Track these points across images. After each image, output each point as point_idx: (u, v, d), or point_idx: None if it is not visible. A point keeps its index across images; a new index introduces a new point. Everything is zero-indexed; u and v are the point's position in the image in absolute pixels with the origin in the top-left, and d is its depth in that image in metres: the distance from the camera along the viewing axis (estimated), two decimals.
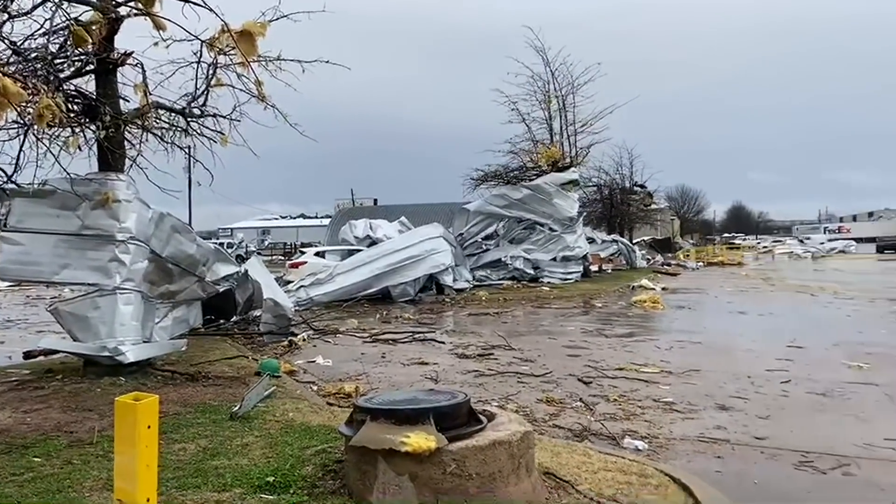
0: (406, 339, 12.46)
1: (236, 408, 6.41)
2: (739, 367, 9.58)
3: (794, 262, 51.52)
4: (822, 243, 75.76)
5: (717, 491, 4.67)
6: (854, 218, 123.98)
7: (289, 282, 21.06)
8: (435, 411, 4.12)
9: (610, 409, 7.21)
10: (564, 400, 7.63)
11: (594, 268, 32.32)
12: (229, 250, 37.72)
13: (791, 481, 5.14)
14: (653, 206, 54.21)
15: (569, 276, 27.35)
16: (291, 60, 9.51)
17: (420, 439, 3.90)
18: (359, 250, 23.66)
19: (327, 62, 9.69)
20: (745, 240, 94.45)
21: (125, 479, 3.00)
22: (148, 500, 2.98)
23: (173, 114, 9.76)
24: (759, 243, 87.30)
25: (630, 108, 61.69)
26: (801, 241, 78.29)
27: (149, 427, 2.97)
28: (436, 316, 17.14)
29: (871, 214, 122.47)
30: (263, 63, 9.39)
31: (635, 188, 48.37)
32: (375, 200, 67.62)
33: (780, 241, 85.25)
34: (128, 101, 9.27)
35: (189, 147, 9.98)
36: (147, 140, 9.45)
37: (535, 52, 31.08)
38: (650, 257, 47.18)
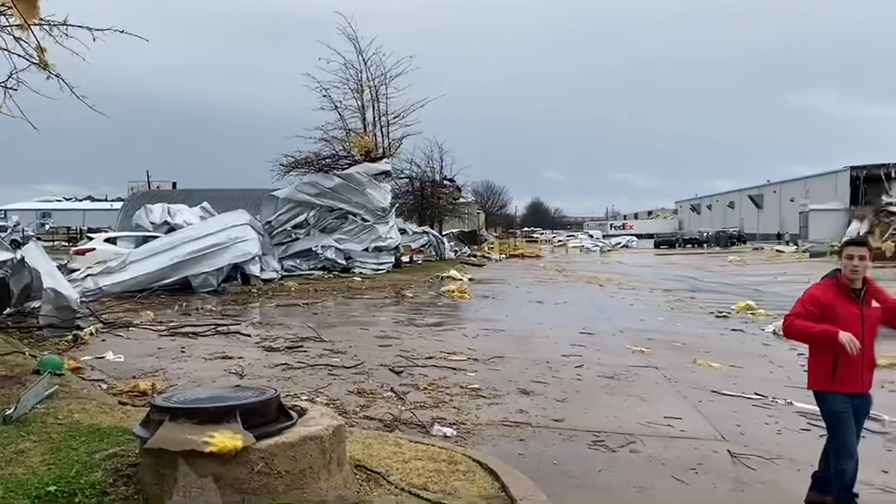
0: (208, 333, 11.80)
1: (10, 410, 5.67)
2: (539, 354, 10.14)
3: (584, 256, 55.78)
4: (606, 237, 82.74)
5: (521, 473, 4.87)
6: (636, 216, 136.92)
7: (74, 270, 19.20)
8: (241, 408, 3.89)
9: (420, 398, 7.31)
10: (376, 391, 7.62)
11: (405, 258, 32.77)
12: (2, 234, 33.74)
13: (586, 460, 5.50)
14: (461, 200, 55.97)
15: (381, 267, 27.48)
16: (80, 27, 8.57)
17: (225, 438, 3.67)
18: (156, 237, 22.13)
19: (122, 32, 8.86)
20: (542, 234, 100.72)
21: None
22: None
23: None
24: (554, 237, 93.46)
25: (440, 105, 63.28)
26: (591, 236, 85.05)
27: None
28: (241, 307, 16.46)
29: (650, 213, 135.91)
30: (47, 27, 8.39)
31: (445, 181, 49.65)
32: (174, 184, 63.64)
33: (572, 235, 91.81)
34: None
35: None
36: None
37: (348, 39, 30.75)
38: (458, 249, 48.74)
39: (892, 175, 60.65)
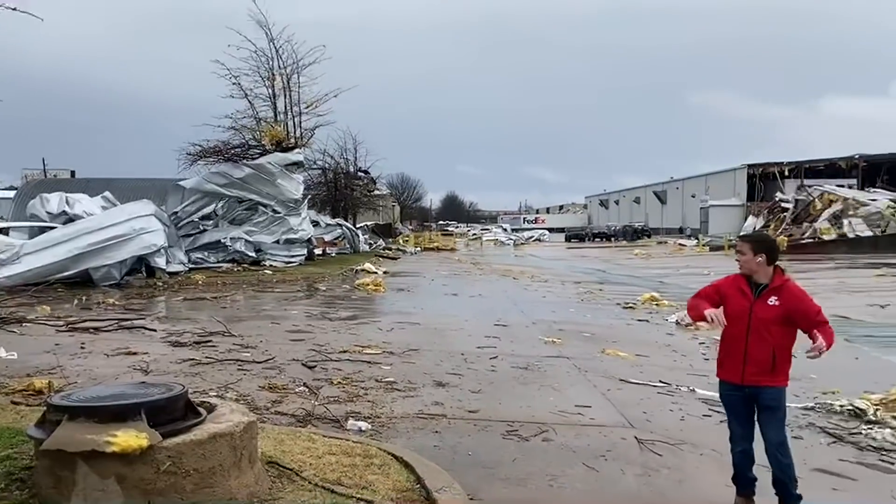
0: (111, 328, 11.27)
1: None
2: (454, 346, 10.21)
3: (498, 249, 56.60)
4: (520, 230, 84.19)
5: (436, 465, 4.88)
6: (548, 210, 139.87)
7: None
8: (146, 406, 3.72)
9: (334, 392, 7.21)
10: (288, 386, 7.46)
11: (318, 251, 32.30)
12: None
13: (500, 450, 5.57)
14: (376, 192, 55.61)
15: (293, 260, 26.98)
16: None
17: (129, 438, 3.50)
18: (53, 227, 20.96)
19: (13, 9, 8.33)
20: (457, 227, 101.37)
21: None
22: None
23: None
24: (469, 230, 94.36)
25: (355, 96, 62.62)
26: (505, 230, 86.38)
27: None
28: (146, 301, 15.83)
29: (561, 208, 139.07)
30: None
31: (359, 173, 49.21)
32: (73, 172, 60.44)
33: (487, 229, 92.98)
34: None
35: None
36: None
37: (259, 26, 29.94)
38: (372, 241, 48.46)
39: (785, 173, 64.25)
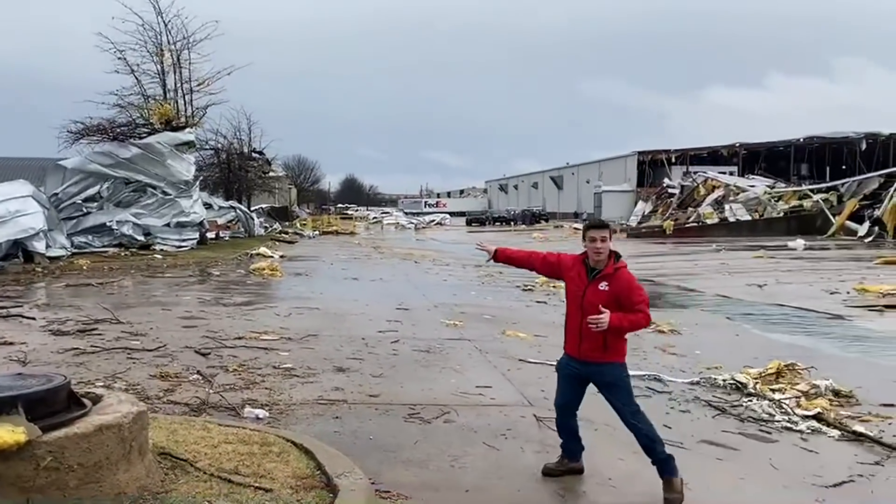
0: None
1: None
2: (354, 331, 10.11)
3: (399, 233, 56.59)
4: (421, 214, 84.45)
5: (337, 451, 4.81)
6: (448, 194, 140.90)
7: None
8: (24, 398, 3.47)
9: (230, 380, 7.00)
10: (181, 374, 7.18)
11: (211, 235, 31.26)
12: None
13: (402, 433, 5.56)
14: (271, 174, 54.32)
15: (184, 244, 25.99)
16: None
17: (4, 433, 3.25)
18: None
19: None
20: (357, 210, 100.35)
21: None
22: None
23: None
24: (369, 214, 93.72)
25: (249, 76, 60.73)
26: (406, 214, 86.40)
27: None
28: (23, 288, 14.85)
29: (462, 192, 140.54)
30: None
31: (254, 154, 47.90)
32: None
33: (387, 212, 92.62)
34: None
35: None
36: None
37: None
38: (268, 225, 47.35)
39: (673, 160, 67.39)
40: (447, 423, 5.83)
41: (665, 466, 4.47)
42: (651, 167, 68.28)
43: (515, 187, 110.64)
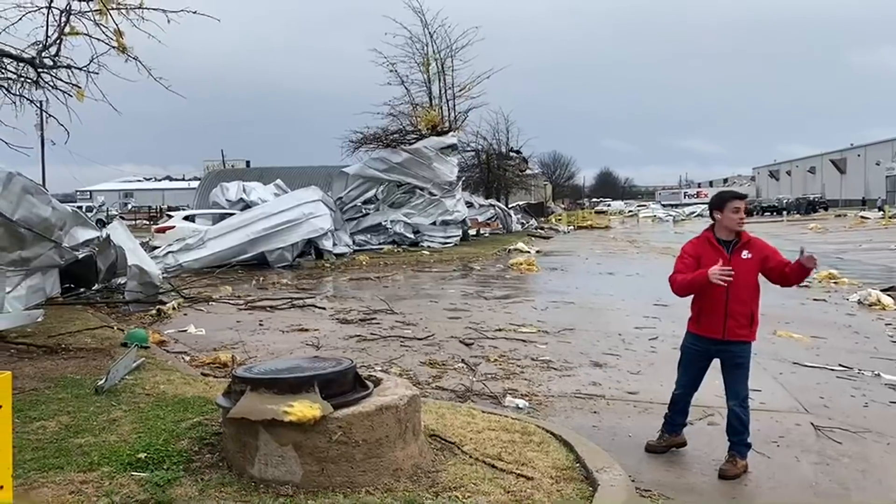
0: (284, 306, 12.13)
1: (101, 381, 5.97)
2: (611, 326, 10.00)
3: (656, 226, 54.55)
4: (679, 206, 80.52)
5: (596, 445, 4.83)
6: (710, 184, 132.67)
7: (155, 247, 19.94)
8: (319, 379, 3.98)
9: (491, 370, 7.33)
10: (447, 362, 7.68)
11: (472, 232, 32.82)
12: (89, 214, 35.26)
13: None
14: (527, 172, 55.45)
15: (448, 240, 27.59)
16: (154, 9, 8.83)
17: (304, 408, 3.76)
18: (231, 214, 22.74)
19: (194, 13, 9.08)
20: (609, 206, 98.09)
21: None
22: (1, 488, 2.68)
23: (21, 63, 8.85)
24: (625, 207, 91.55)
25: (504, 77, 62.55)
26: (663, 206, 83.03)
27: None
28: (315, 281, 16.82)
29: (725, 181, 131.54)
30: (124, 11, 8.67)
31: (511, 154, 49.23)
32: (248, 162, 65.30)
33: (644, 205, 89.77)
34: None
35: (41, 101, 9.12)
36: None
37: (414, 12, 30.73)
38: (525, 221, 48.42)
39: None
40: (711, 425, 5.55)
41: (742, 449, 4.57)
42: None
43: (788, 173, 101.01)
